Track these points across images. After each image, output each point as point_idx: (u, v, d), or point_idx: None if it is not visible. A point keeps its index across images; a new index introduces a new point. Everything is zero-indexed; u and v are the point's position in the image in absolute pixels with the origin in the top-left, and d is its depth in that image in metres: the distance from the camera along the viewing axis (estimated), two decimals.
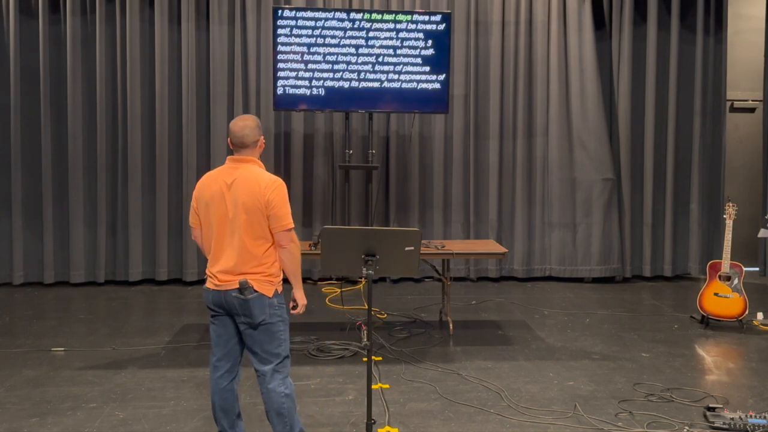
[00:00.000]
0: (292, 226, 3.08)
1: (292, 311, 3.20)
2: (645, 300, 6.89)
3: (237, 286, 3.02)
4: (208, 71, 7.29)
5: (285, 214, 3.04)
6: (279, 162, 7.42)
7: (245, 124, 3.11)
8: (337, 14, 6.64)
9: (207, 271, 3.15)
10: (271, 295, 3.07)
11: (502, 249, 5.67)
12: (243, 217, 3.01)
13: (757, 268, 7.90)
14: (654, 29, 7.58)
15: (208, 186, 3.11)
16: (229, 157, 3.15)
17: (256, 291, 3.03)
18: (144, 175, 7.26)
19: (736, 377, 4.61)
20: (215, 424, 3.26)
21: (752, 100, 8.33)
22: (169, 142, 7.29)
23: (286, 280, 3.21)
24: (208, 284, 3.13)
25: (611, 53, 7.63)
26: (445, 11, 6.94)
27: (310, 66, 6.64)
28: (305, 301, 3.23)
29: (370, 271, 3.16)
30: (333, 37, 6.62)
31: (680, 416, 3.91)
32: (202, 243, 3.20)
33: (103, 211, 7.23)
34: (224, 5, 7.24)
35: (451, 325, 5.57)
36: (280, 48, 6.61)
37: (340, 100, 6.72)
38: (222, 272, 3.07)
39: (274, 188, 3.02)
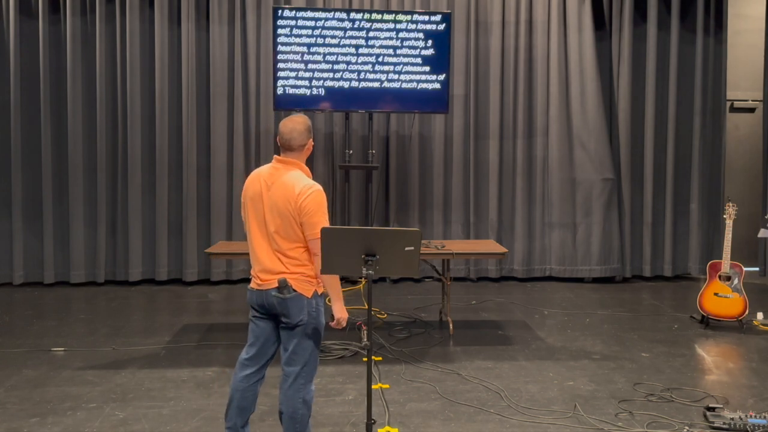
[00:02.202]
0: None
1: (330, 324, 3.13)
2: (645, 300, 6.89)
3: (276, 285, 2.99)
4: (208, 71, 7.29)
5: (317, 223, 2.96)
6: None
7: (293, 128, 3.03)
8: (337, 14, 6.64)
9: (251, 272, 3.14)
10: (309, 296, 3.03)
11: (502, 249, 5.67)
12: (278, 221, 2.98)
13: (757, 268, 7.89)
14: (654, 29, 7.58)
15: (252, 184, 3.09)
16: (275, 156, 3.10)
17: (295, 290, 3.00)
18: (144, 175, 7.26)
19: (736, 377, 4.61)
20: (224, 419, 3.21)
21: (752, 100, 8.33)
22: (169, 142, 7.29)
23: None
24: (252, 284, 3.11)
25: (611, 53, 7.63)
26: (445, 11, 6.94)
27: (310, 66, 6.64)
28: (345, 315, 3.13)
29: (370, 271, 3.16)
30: (333, 37, 6.62)
31: (680, 416, 3.90)
32: None
33: (103, 211, 7.23)
34: (224, 5, 7.24)
35: (451, 325, 5.57)
36: (280, 48, 6.61)
37: (340, 100, 6.72)
38: (262, 271, 3.05)
39: (307, 195, 2.95)
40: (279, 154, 3.10)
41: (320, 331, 3.12)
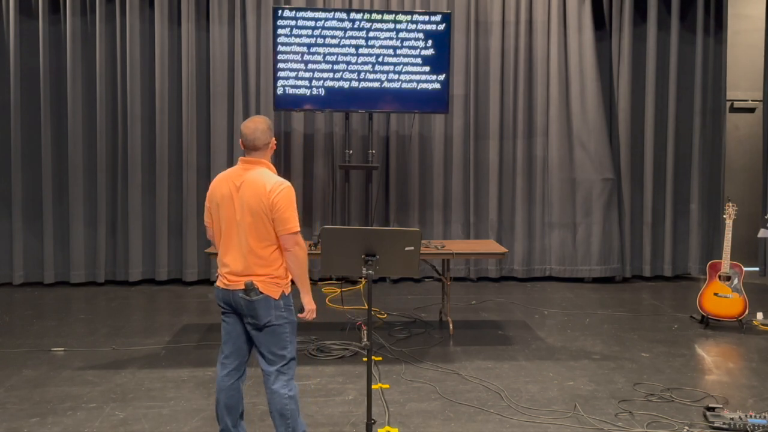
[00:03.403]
0: (297, 229, 3.04)
1: (299, 316, 3.17)
2: (645, 300, 6.89)
3: (243, 287, 3.02)
4: (208, 71, 7.29)
5: (289, 218, 3.02)
6: (279, 162, 7.42)
7: (256, 127, 3.10)
8: (337, 14, 6.64)
9: (218, 271, 3.17)
10: (277, 297, 3.06)
11: (502, 249, 5.67)
12: (248, 219, 3.02)
13: (757, 268, 7.90)
14: (654, 29, 7.58)
15: (219, 187, 3.13)
16: (240, 158, 3.15)
17: (262, 293, 3.03)
18: (144, 175, 7.26)
19: (736, 377, 4.61)
20: (217, 422, 3.25)
21: (752, 100, 8.33)
22: (169, 142, 7.29)
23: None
24: (219, 282, 3.16)
25: (611, 53, 7.63)
26: (445, 11, 6.94)
27: (310, 66, 6.64)
28: (313, 306, 3.18)
29: (370, 271, 3.16)
30: (333, 37, 6.63)
31: (680, 416, 3.91)
32: (215, 242, 3.22)
33: (103, 211, 7.23)
34: (224, 5, 7.24)
35: (451, 325, 5.57)
36: (280, 48, 6.61)
37: (340, 100, 6.72)
38: (230, 273, 3.08)
39: (278, 191, 3.01)
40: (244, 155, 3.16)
41: (293, 327, 3.15)
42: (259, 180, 3.04)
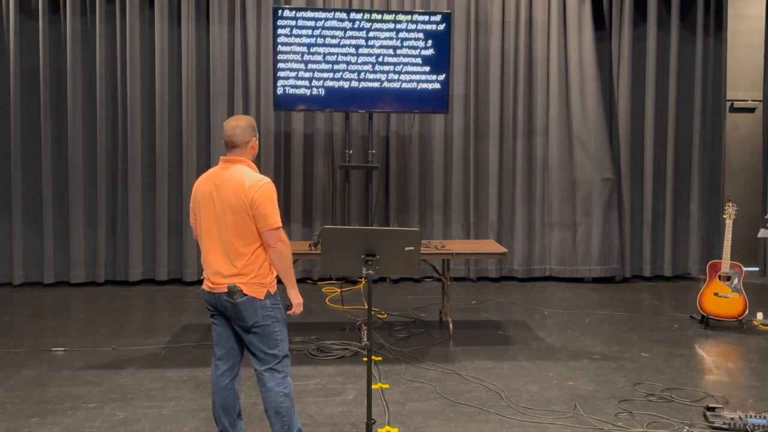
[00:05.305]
0: (279, 225, 3.03)
1: (288, 312, 3.16)
2: (645, 300, 6.89)
3: (226, 290, 3.02)
4: (208, 71, 7.29)
5: (270, 214, 3.00)
6: (279, 162, 7.43)
7: (236, 124, 3.10)
8: (337, 14, 6.64)
9: (203, 272, 3.17)
10: (262, 298, 3.05)
11: (502, 249, 5.67)
12: (230, 217, 3.01)
13: (757, 268, 7.90)
14: (654, 29, 7.58)
15: (201, 187, 3.13)
16: (221, 157, 3.15)
17: (246, 295, 3.02)
18: (144, 175, 7.26)
19: (736, 377, 4.61)
20: (215, 423, 3.26)
21: (752, 100, 8.33)
22: (169, 142, 7.29)
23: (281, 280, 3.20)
24: (204, 285, 3.16)
25: (611, 53, 7.63)
26: (445, 11, 6.94)
27: (310, 66, 6.64)
28: (300, 300, 3.18)
29: (370, 271, 3.16)
30: (333, 37, 6.63)
31: (680, 416, 3.90)
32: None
33: (103, 211, 7.23)
34: (224, 5, 7.24)
35: (451, 325, 5.57)
36: (280, 48, 6.61)
37: (340, 100, 6.72)
38: (213, 273, 3.07)
39: (258, 188, 2.99)
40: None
41: (282, 325, 3.14)
42: (238, 177, 3.02)
